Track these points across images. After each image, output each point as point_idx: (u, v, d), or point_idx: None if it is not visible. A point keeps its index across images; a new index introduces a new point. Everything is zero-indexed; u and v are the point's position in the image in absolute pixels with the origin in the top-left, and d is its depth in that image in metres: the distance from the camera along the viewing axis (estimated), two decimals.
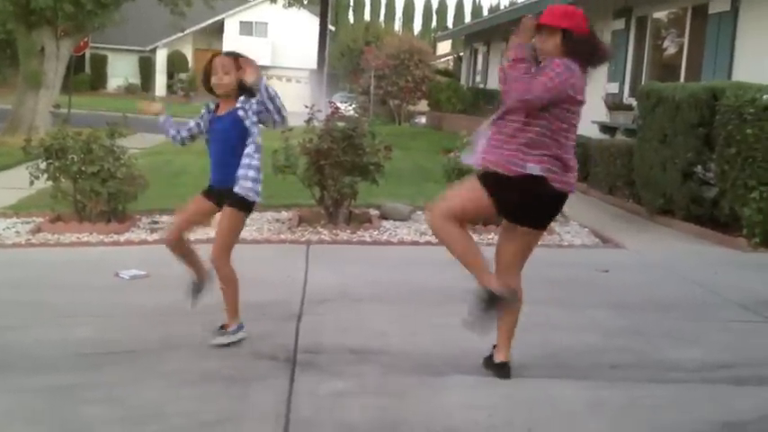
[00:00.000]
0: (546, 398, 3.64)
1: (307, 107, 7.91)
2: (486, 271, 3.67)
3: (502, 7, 56.92)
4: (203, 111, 4.27)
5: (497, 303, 3.61)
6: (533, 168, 3.54)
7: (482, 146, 3.70)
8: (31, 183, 7.28)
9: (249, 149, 4.08)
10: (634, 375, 3.95)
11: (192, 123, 4.30)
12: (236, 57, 4.13)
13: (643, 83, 11.96)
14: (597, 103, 13.06)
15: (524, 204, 3.63)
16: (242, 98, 4.09)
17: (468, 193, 3.70)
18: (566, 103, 3.55)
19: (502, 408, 3.51)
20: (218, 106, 4.21)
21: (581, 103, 3.61)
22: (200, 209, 4.27)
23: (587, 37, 3.64)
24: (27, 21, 17.15)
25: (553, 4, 3.78)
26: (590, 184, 10.84)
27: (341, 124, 7.54)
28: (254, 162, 4.09)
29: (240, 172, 4.04)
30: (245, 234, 7.38)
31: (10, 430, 3.20)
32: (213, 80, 4.12)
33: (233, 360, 4.00)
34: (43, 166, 7.27)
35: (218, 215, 4.27)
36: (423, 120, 28.78)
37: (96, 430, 3.20)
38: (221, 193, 4.13)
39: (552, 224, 8.05)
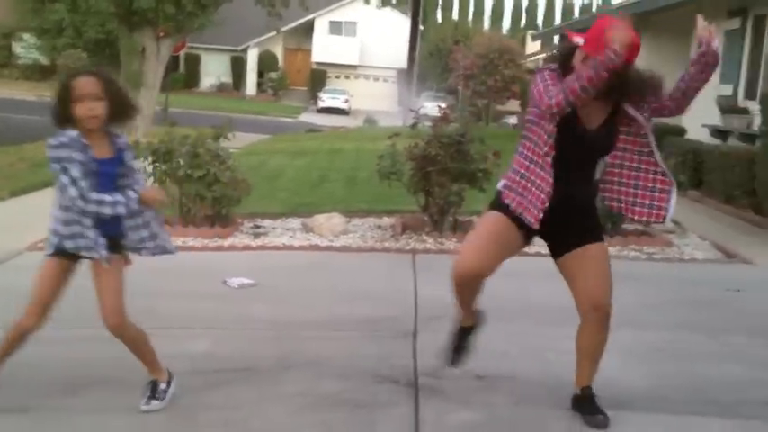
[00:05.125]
0: None
1: (412, 111, 7.69)
2: None
3: (594, 6, 55.64)
4: (70, 150, 3.13)
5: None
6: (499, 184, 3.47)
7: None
8: None
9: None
10: None
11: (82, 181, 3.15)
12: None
13: (760, 85, 11.27)
14: (709, 105, 12.41)
15: None
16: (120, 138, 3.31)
17: None
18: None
19: None
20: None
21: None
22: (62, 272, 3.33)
23: None
24: (129, 22, 17.56)
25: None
26: (703, 193, 10.25)
27: (453, 125, 7.28)
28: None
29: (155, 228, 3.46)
30: (348, 241, 7.26)
31: None
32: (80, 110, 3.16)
33: (353, 382, 3.80)
34: (150, 169, 7.27)
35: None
36: (512, 120, 28.25)
37: None
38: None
39: (670, 236, 7.63)
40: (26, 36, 42.03)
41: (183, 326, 4.65)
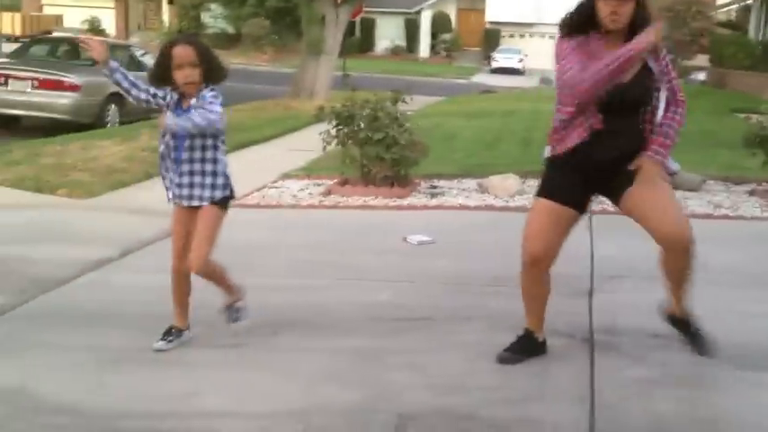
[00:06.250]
0: None
1: None
2: None
3: None
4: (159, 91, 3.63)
5: None
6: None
7: None
8: (324, 148, 7.76)
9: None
10: None
11: (143, 86, 3.64)
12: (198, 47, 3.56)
13: None
14: None
15: None
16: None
17: None
18: None
19: None
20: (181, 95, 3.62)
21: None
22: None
23: None
24: None
25: None
26: None
27: None
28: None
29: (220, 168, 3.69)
30: (523, 202, 7.32)
31: (325, 389, 3.41)
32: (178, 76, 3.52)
33: None
34: (333, 132, 7.70)
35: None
36: (700, 76, 26.68)
37: (405, 396, 3.32)
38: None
39: None
40: (213, 6, 44.56)
41: (369, 278, 5.00)
